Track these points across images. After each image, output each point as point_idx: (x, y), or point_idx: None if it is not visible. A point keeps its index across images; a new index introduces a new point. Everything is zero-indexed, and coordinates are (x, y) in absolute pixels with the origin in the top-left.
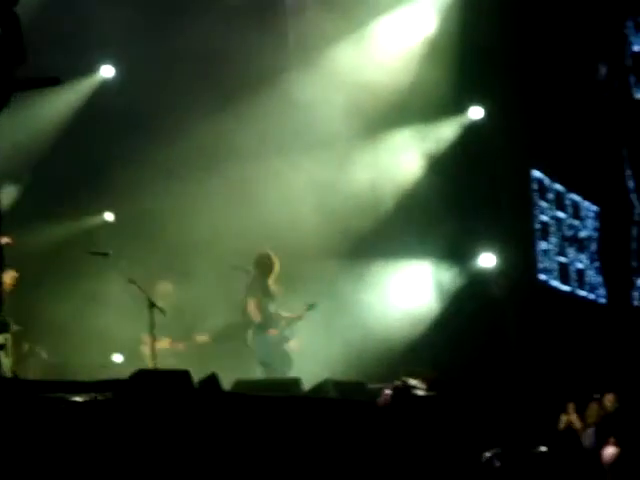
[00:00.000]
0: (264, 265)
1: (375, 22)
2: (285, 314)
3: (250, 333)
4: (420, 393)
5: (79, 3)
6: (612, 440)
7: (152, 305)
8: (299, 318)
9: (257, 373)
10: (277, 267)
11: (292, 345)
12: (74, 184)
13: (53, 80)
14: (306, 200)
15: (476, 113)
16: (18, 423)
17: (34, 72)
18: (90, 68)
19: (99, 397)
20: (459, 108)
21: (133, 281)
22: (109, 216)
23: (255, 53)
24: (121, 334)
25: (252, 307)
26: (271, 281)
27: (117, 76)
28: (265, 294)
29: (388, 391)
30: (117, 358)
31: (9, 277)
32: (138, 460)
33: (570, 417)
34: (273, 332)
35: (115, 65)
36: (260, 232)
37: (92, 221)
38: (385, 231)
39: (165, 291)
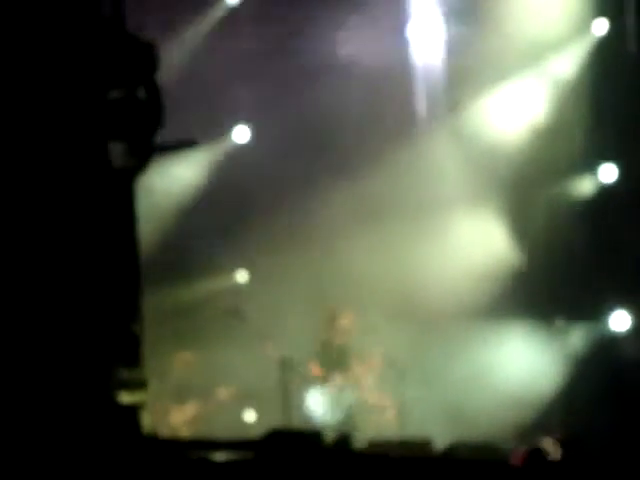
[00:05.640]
0: (327, 321)
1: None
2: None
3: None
4: (553, 456)
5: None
6: None
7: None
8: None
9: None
10: (342, 322)
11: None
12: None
13: (190, 143)
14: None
15: (609, 174)
16: None
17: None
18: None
19: (240, 457)
20: (591, 167)
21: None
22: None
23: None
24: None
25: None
26: (335, 336)
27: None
28: (325, 350)
29: (521, 453)
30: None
31: None
32: None
33: None
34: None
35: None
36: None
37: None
38: (515, 292)
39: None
